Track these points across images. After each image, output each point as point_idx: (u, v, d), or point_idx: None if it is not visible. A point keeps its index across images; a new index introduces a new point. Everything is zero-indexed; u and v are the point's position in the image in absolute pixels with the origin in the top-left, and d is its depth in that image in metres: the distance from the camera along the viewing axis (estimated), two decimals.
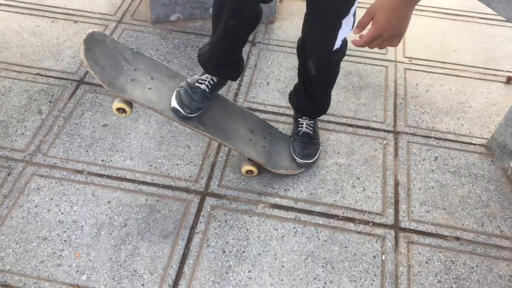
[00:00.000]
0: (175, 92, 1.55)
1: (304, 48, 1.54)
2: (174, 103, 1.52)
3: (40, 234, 1.53)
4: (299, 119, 1.79)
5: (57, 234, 1.53)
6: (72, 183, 1.67)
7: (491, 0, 1.61)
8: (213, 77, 1.57)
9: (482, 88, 2.14)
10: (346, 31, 1.43)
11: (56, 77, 2.05)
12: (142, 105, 1.49)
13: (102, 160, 1.75)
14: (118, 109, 1.50)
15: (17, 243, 1.50)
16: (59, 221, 1.56)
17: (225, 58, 1.53)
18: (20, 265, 1.45)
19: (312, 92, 1.65)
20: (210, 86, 1.57)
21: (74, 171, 1.71)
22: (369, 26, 1.04)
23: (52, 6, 2.42)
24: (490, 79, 2.19)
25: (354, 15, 1.42)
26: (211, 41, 1.51)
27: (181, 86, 1.56)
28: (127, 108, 1.49)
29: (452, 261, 1.53)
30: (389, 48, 2.32)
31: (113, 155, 1.77)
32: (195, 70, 2.13)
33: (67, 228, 1.55)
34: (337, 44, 1.45)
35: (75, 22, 2.34)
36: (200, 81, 1.56)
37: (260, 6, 1.41)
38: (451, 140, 1.91)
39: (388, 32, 1.03)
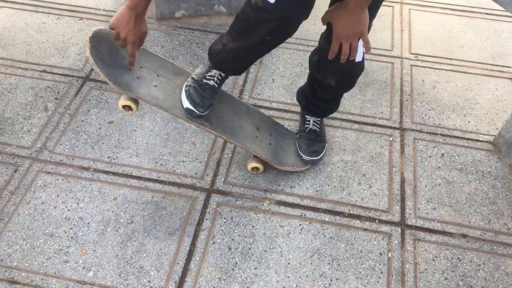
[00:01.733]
0: (184, 92, 1.54)
1: (319, 62, 1.50)
2: (187, 104, 1.51)
3: (47, 231, 1.53)
4: (306, 116, 1.78)
5: (64, 230, 1.54)
6: (79, 180, 1.67)
7: None
8: (221, 72, 1.57)
9: (489, 84, 2.13)
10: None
11: (61, 74, 2.05)
12: (148, 103, 1.49)
13: (108, 157, 1.75)
14: (124, 107, 1.50)
15: (24, 240, 1.51)
16: (65, 217, 1.57)
17: (245, 63, 1.54)
18: (27, 262, 1.46)
19: (322, 98, 1.65)
20: (218, 81, 1.56)
21: (80, 168, 1.71)
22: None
23: (57, 3, 2.42)
24: (497, 76, 2.17)
25: None
26: (229, 46, 1.45)
27: (189, 85, 1.55)
28: (133, 106, 1.49)
29: (458, 258, 1.53)
30: (395, 44, 2.31)
31: (119, 152, 1.77)
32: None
33: (74, 224, 1.55)
34: (359, 57, 1.41)
35: (81, 19, 2.35)
36: (208, 77, 1.56)
37: None
38: (458, 137, 1.90)
39: (346, 36, 1.26)
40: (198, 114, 1.52)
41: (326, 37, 1.42)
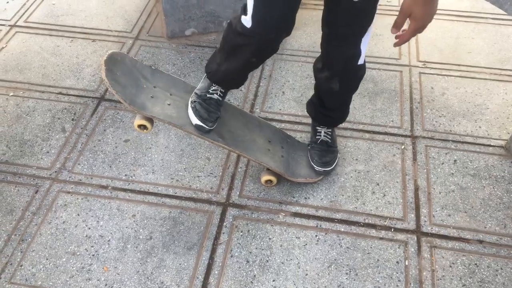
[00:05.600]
0: (190, 109, 1.57)
1: (322, 68, 1.54)
2: (196, 120, 1.54)
3: (69, 250, 1.57)
4: (317, 127, 1.80)
5: (85, 249, 1.57)
6: (98, 198, 1.72)
7: (504, 2, 1.62)
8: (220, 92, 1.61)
9: (499, 89, 2.14)
10: (366, 43, 1.44)
11: (77, 95, 2.11)
12: (162, 121, 1.53)
13: (126, 175, 1.79)
14: (139, 126, 1.54)
15: (47, 259, 1.55)
16: (86, 236, 1.61)
17: (242, 79, 1.58)
18: (51, 281, 1.49)
19: (331, 106, 1.68)
20: (222, 94, 1.60)
21: (99, 187, 1.75)
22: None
23: (70, 26, 2.49)
24: (506, 80, 2.18)
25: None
26: (223, 67, 1.50)
27: (194, 101, 1.58)
28: (148, 125, 1.54)
29: (476, 264, 1.53)
30: (402, 53, 2.33)
31: (135, 169, 1.81)
32: None
33: (95, 242, 1.59)
34: (361, 59, 1.46)
35: (93, 40, 2.41)
36: (211, 92, 1.59)
37: None
38: (470, 143, 1.91)
39: (428, 21, 1.13)
40: (207, 129, 1.55)
41: (323, 40, 1.46)
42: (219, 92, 1.59)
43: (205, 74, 1.62)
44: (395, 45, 1.23)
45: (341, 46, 1.44)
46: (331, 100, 1.66)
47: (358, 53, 1.44)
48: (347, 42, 1.42)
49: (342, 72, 1.51)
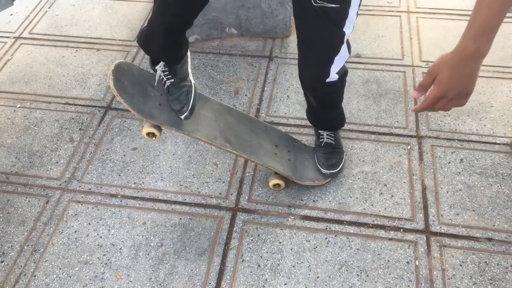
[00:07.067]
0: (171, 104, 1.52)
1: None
2: (180, 115, 1.50)
3: (81, 259, 1.59)
4: (319, 131, 1.81)
5: (98, 257, 1.59)
6: (108, 207, 1.73)
7: None
8: (163, 68, 1.48)
9: (502, 87, 2.15)
10: (340, 65, 1.43)
11: (84, 105, 2.13)
12: (170, 129, 1.54)
13: (135, 183, 1.81)
14: (148, 134, 1.55)
15: (60, 269, 1.56)
16: (98, 244, 1.62)
17: (163, 42, 1.39)
18: None
19: (321, 114, 1.70)
20: (170, 75, 1.49)
21: (109, 196, 1.77)
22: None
23: (74, 36, 2.52)
24: (509, 78, 2.19)
25: (347, 43, 1.39)
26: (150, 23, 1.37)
27: (162, 94, 1.51)
28: (156, 132, 1.55)
29: (486, 262, 1.54)
30: (405, 53, 2.35)
31: (144, 177, 1.83)
32: (216, 89, 2.19)
33: (107, 251, 1.60)
34: (332, 77, 1.43)
35: (98, 50, 2.43)
36: (164, 79, 1.50)
37: None
38: (475, 141, 1.91)
39: (453, 91, 0.92)
40: (188, 115, 1.50)
41: (299, 54, 1.45)
42: (167, 75, 1.49)
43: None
44: (413, 110, 1.05)
45: (308, 64, 1.44)
46: (317, 109, 1.67)
47: (325, 74, 1.42)
48: (315, 61, 1.42)
49: (308, 87, 1.53)
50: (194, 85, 1.55)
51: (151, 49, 1.44)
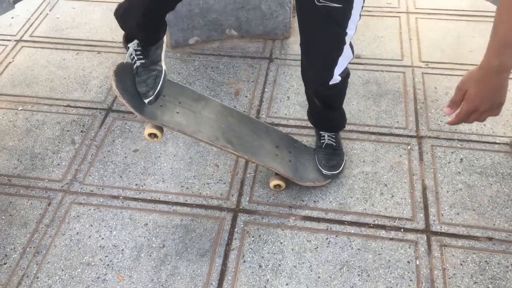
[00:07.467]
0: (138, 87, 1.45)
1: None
2: (144, 96, 1.44)
3: (84, 260, 1.59)
4: (320, 132, 1.83)
5: (100, 259, 1.59)
6: (110, 208, 1.74)
7: None
8: (136, 47, 1.43)
9: None
10: (344, 66, 1.45)
11: (85, 107, 2.14)
12: (172, 129, 1.55)
13: (136, 185, 1.81)
14: (150, 135, 1.56)
15: (62, 270, 1.57)
16: (100, 246, 1.63)
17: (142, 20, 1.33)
18: None
19: (323, 115, 1.71)
20: (142, 55, 1.44)
21: (111, 197, 1.78)
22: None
23: (75, 39, 2.53)
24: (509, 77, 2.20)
25: (350, 45, 1.41)
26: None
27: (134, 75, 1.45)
28: (158, 133, 1.56)
29: (486, 261, 1.55)
30: (405, 54, 2.35)
31: (146, 178, 1.83)
32: (216, 90, 2.20)
33: (109, 252, 1.61)
34: (335, 79, 1.46)
35: (99, 52, 2.44)
36: (134, 59, 1.45)
37: None
38: (475, 141, 1.92)
39: (484, 105, 0.95)
40: (152, 99, 1.44)
41: (301, 56, 1.47)
42: (138, 55, 1.43)
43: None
44: (448, 123, 1.06)
45: (311, 66, 1.46)
46: (319, 110, 1.68)
47: (329, 75, 1.44)
48: (318, 63, 1.44)
49: (312, 88, 1.55)
50: (165, 71, 1.47)
51: (127, 24, 1.38)
